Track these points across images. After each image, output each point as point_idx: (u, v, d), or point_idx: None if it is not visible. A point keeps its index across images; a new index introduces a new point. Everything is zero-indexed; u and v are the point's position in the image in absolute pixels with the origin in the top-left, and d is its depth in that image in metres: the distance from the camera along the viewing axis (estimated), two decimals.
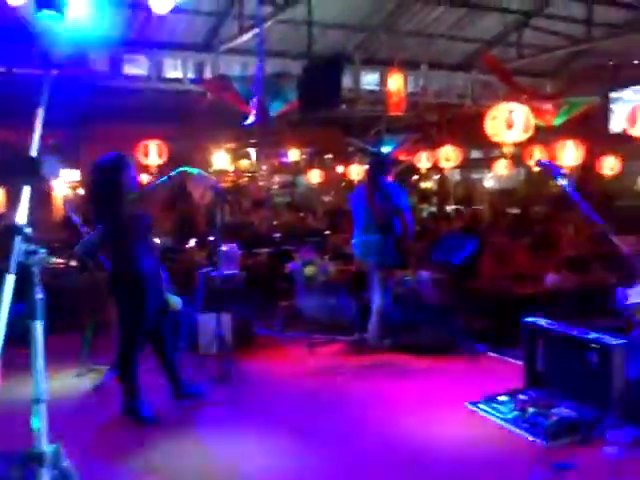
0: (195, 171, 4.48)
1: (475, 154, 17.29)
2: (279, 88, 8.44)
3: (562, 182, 3.80)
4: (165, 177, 4.48)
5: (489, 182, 19.02)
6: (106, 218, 4.36)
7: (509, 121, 6.51)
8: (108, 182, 4.32)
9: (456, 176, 19.94)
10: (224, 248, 6.41)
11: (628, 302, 3.47)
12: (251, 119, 6.17)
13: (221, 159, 11.18)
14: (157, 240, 6.40)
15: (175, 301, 5.53)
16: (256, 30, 6.91)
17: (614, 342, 4.12)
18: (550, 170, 3.93)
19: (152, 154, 9.28)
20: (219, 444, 4.14)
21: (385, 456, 3.94)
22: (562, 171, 3.99)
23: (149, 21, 7.75)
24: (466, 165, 17.73)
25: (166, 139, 9.21)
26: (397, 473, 3.74)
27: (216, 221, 5.23)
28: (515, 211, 14.48)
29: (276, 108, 8.33)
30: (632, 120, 7.73)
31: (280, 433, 4.28)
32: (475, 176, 19.60)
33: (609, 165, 11.78)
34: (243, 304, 6.52)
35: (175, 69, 9.74)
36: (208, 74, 9.63)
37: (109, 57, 8.89)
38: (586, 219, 4.33)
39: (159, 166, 9.82)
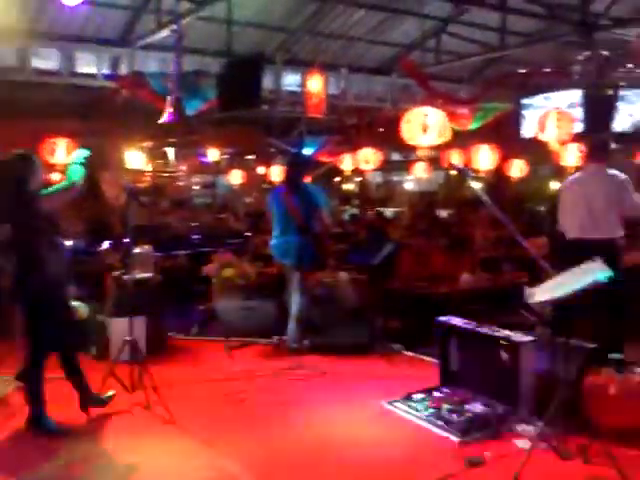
0: (77, 177, 4.27)
1: (396, 157, 17.55)
2: (197, 86, 8.28)
3: (474, 185, 3.88)
4: (65, 183, 4.28)
5: (409, 185, 19.38)
6: (9, 219, 4.15)
7: (424, 125, 6.61)
8: (12, 181, 4.12)
9: (378, 178, 20.21)
10: (137, 250, 6.23)
11: (534, 301, 3.57)
12: (167, 117, 6.02)
13: (136, 158, 10.89)
14: (68, 242, 6.17)
15: (82, 309, 5.35)
16: (174, 26, 6.77)
17: (523, 339, 4.25)
18: (462, 173, 4.01)
19: (60, 152, 8.88)
20: (129, 453, 4.01)
21: (301, 456, 3.92)
22: (474, 174, 4.07)
23: (61, 13, 7.46)
24: (387, 167, 17.99)
25: (76, 136, 8.86)
26: (312, 473, 3.73)
27: (130, 222, 5.07)
28: (435, 213, 14.81)
29: (194, 106, 8.17)
30: (542, 126, 8.01)
31: (194, 438, 4.19)
32: (396, 178, 19.93)
33: (517, 168, 12.20)
34: (158, 308, 6.37)
35: (89, 64, 9.44)
36: (124, 70, 9.38)
37: (16, 50, 8.53)
38: (496, 221, 4.45)
39: (67, 165, 9.43)
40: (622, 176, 5.51)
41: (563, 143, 8.74)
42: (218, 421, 4.53)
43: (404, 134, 6.87)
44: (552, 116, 7.96)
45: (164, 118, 6.01)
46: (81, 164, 4.30)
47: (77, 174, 4.28)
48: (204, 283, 7.50)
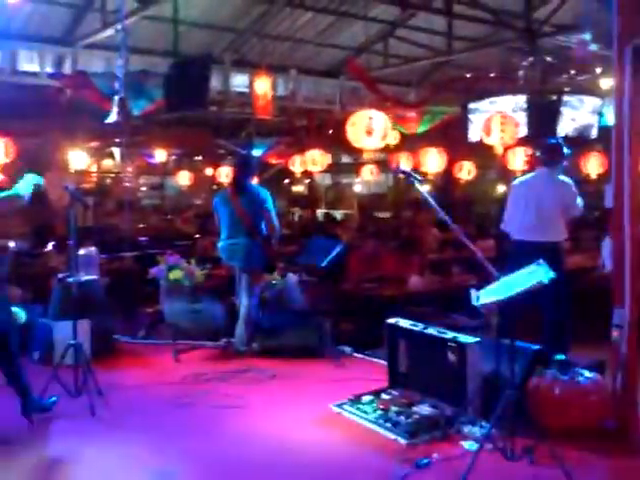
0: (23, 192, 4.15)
1: (346, 159, 17.63)
2: (144, 86, 8.16)
3: (419, 188, 3.90)
4: (10, 194, 4.16)
5: (358, 187, 19.49)
6: None
7: (369, 128, 6.65)
8: None
9: (327, 180, 20.27)
10: (82, 252, 6.10)
11: (479, 303, 3.61)
12: (112, 117, 5.90)
13: (80, 159, 10.64)
14: (11, 244, 5.99)
15: (20, 313, 5.20)
16: (119, 25, 6.63)
17: (470, 340, 4.29)
18: (407, 176, 4.03)
19: None
20: (73, 460, 3.90)
21: (248, 460, 3.88)
22: (419, 177, 4.09)
23: (2, 9, 7.23)
24: (336, 170, 18.06)
25: (17, 136, 8.59)
26: (260, 476, 3.69)
27: (73, 224, 4.94)
28: (383, 215, 14.95)
29: (141, 107, 8.05)
30: (487, 130, 8.15)
31: (141, 444, 4.11)
32: (345, 181, 20.02)
33: (466, 171, 12.40)
34: (104, 311, 6.24)
35: (32, 62, 9.18)
36: (68, 69, 9.15)
37: None
38: (444, 224, 4.49)
39: (5, 165, 9.17)
40: (570, 181, 5.67)
41: (508, 147, 8.91)
42: (165, 426, 4.45)
43: (349, 136, 6.91)
44: (496, 120, 8.10)
45: (110, 119, 5.88)
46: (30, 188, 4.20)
47: (24, 191, 4.17)
48: (151, 286, 7.37)
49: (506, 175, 9.61)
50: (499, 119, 8.14)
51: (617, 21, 4.15)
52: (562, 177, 5.67)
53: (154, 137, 11.63)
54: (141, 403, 4.90)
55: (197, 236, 10.75)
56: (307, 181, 17.57)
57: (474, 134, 9.71)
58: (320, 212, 16.70)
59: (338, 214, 17.28)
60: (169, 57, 8.74)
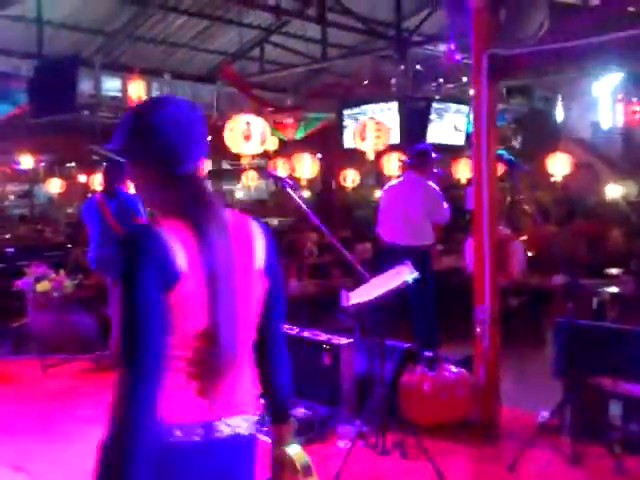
0: None
1: (226, 165, 17.50)
2: (7, 89, 7.74)
3: (291, 193, 3.94)
4: None
5: (239, 193, 19.42)
6: None
7: (246, 133, 6.64)
8: None
9: (209, 187, 20.01)
10: None
11: (349, 304, 3.69)
12: None
13: None
14: None
15: None
16: None
17: (343, 342, 4.38)
18: (279, 181, 4.06)
19: None
20: None
21: None
22: (291, 183, 4.13)
23: None
24: (216, 176, 17.87)
25: None
26: None
27: None
28: (265, 221, 14.94)
29: (3, 111, 7.63)
30: (362, 136, 8.33)
31: (5, 463, 3.89)
32: (226, 187, 19.87)
33: (350, 179, 12.64)
34: None
35: None
36: None
37: None
38: (316, 228, 4.55)
39: None
40: (435, 187, 5.90)
41: (382, 153, 9.15)
42: (32, 443, 4.24)
43: (227, 142, 6.86)
44: (370, 126, 8.30)
45: None
46: None
47: None
48: (17, 299, 7.00)
49: (383, 180, 9.88)
50: (373, 125, 8.35)
51: (473, 31, 4.38)
52: (428, 182, 5.88)
53: (20, 142, 11.03)
54: (7, 421, 4.64)
55: (69, 246, 10.30)
56: None
57: (349, 140, 9.93)
58: None
59: None
60: (34, 59, 8.34)
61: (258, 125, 6.66)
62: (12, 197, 16.06)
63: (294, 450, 1.81)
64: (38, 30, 7.99)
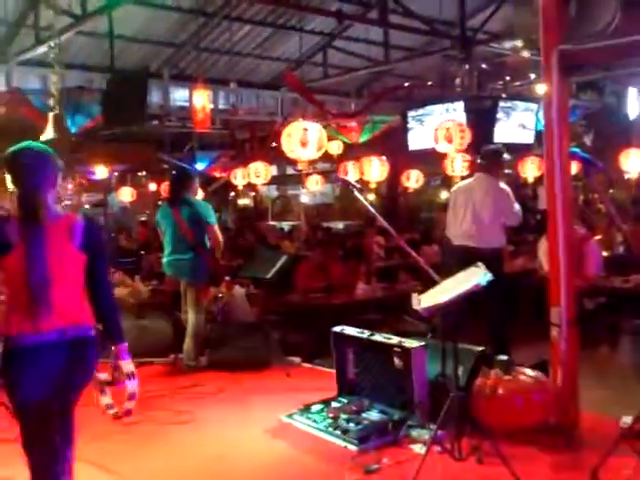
0: None
1: (291, 170, 17.68)
2: (81, 102, 8.04)
3: (359, 196, 3.95)
4: None
5: (304, 198, 19.54)
6: None
7: (303, 139, 6.68)
8: None
9: (274, 192, 20.27)
10: None
11: (420, 308, 3.66)
12: (48, 134, 5.78)
13: None
14: None
15: None
16: (52, 42, 6.51)
17: (414, 345, 4.35)
18: (347, 185, 4.07)
19: None
20: None
21: (198, 476, 3.85)
22: (358, 186, 4.14)
23: None
24: (282, 181, 18.07)
25: None
26: None
27: None
28: (329, 225, 15.02)
29: (78, 123, 7.92)
30: (448, 139, 8.24)
31: (90, 463, 4.01)
32: (291, 192, 20.06)
33: (414, 179, 12.56)
34: None
35: None
36: (2, 86, 8.97)
37: None
38: (386, 232, 4.56)
39: None
40: (507, 188, 5.78)
41: (446, 153, 9.05)
42: (112, 445, 4.37)
43: (284, 147, 6.93)
44: (454, 129, 8.22)
45: (44, 135, 5.76)
46: None
47: None
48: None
49: (449, 181, 9.77)
50: (457, 127, 8.26)
51: (543, 27, 4.29)
52: (499, 183, 5.78)
53: (95, 153, 11.41)
54: (87, 423, 4.79)
55: (142, 252, 10.60)
56: (252, 194, 17.54)
57: (413, 142, 9.85)
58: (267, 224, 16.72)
59: (286, 225, 17.29)
60: (106, 73, 8.64)
61: (315, 131, 6.69)
62: (87, 206, 16.60)
63: (124, 362, 2.87)
64: (110, 45, 8.26)
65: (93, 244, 2.75)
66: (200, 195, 7.89)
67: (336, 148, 11.48)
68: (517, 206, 5.78)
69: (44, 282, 2.59)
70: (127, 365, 2.86)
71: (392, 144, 11.59)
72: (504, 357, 4.49)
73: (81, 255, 2.70)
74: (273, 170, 12.17)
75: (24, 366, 2.61)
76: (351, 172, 10.58)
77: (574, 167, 5.11)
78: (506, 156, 5.90)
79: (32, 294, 2.57)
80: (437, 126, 8.53)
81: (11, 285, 2.63)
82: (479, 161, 6.12)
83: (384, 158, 10.43)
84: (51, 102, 5.96)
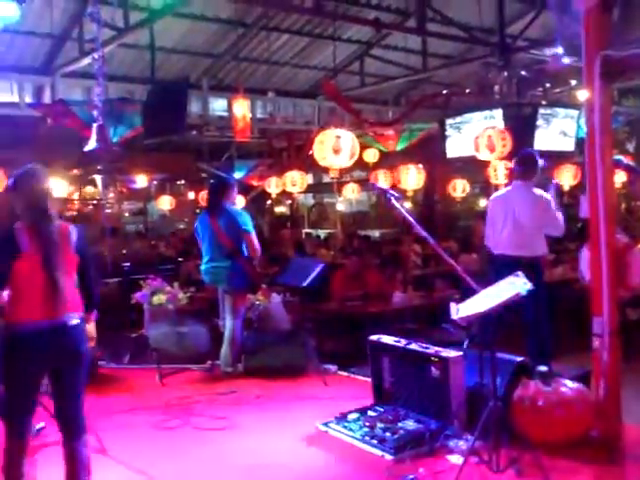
0: None
1: (327, 179, 17.73)
2: (123, 113, 8.20)
3: (396, 205, 3.93)
4: None
5: (340, 206, 19.55)
6: None
7: (336, 146, 6.69)
8: None
9: (310, 200, 20.35)
10: None
11: (458, 317, 3.63)
12: (91, 145, 5.90)
13: (61, 187, 10.62)
14: None
15: None
16: (96, 54, 6.66)
17: (452, 354, 4.31)
18: (384, 194, 4.06)
19: None
20: None
21: None
22: (396, 195, 4.12)
23: None
24: (318, 189, 18.13)
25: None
26: None
27: None
28: (366, 233, 15.01)
29: (120, 133, 8.08)
30: (490, 147, 8.18)
31: (128, 468, 4.08)
32: (328, 200, 20.11)
33: (460, 189, 12.48)
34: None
35: (11, 93, 9.22)
36: (47, 98, 9.20)
37: None
38: (423, 240, 4.53)
39: None
40: (546, 195, 5.67)
41: (488, 161, 8.98)
42: (151, 449, 4.43)
43: (316, 155, 6.96)
44: (495, 136, 8.16)
45: (88, 146, 5.89)
46: None
47: None
48: (135, 311, 7.36)
49: (490, 189, 9.68)
50: (499, 134, 8.19)
51: (585, 33, 4.23)
52: (539, 191, 5.67)
53: (135, 163, 11.64)
54: (127, 427, 4.86)
55: (180, 260, 10.72)
56: (289, 202, 17.62)
57: (451, 149, 9.78)
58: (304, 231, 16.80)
59: (322, 233, 17.33)
60: (147, 84, 8.80)
61: (348, 139, 6.71)
62: (127, 214, 16.90)
63: (90, 326, 3.81)
64: (151, 56, 8.41)
65: (83, 248, 3.39)
66: (241, 203, 7.95)
67: (372, 156, 11.48)
68: (560, 215, 5.65)
69: (61, 278, 3.21)
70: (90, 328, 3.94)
71: (429, 152, 11.54)
72: (544, 368, 4.42)
73: (76, 257, 3.32)
74: (309, 178, 12.22)
75: (36, 346, 3.22)
76: (382, 180, 10.56)
77: (618, 175, 5.00)
78: (541, 162, 5.80)
79: (54, 287, 3.17)
80: (478, 134, 8.45)
81: (23, 283, 3.20)
82: (514, 166, 6.02)
83: (420, 166, 10.40)
84: (95, 113, 6.07)
